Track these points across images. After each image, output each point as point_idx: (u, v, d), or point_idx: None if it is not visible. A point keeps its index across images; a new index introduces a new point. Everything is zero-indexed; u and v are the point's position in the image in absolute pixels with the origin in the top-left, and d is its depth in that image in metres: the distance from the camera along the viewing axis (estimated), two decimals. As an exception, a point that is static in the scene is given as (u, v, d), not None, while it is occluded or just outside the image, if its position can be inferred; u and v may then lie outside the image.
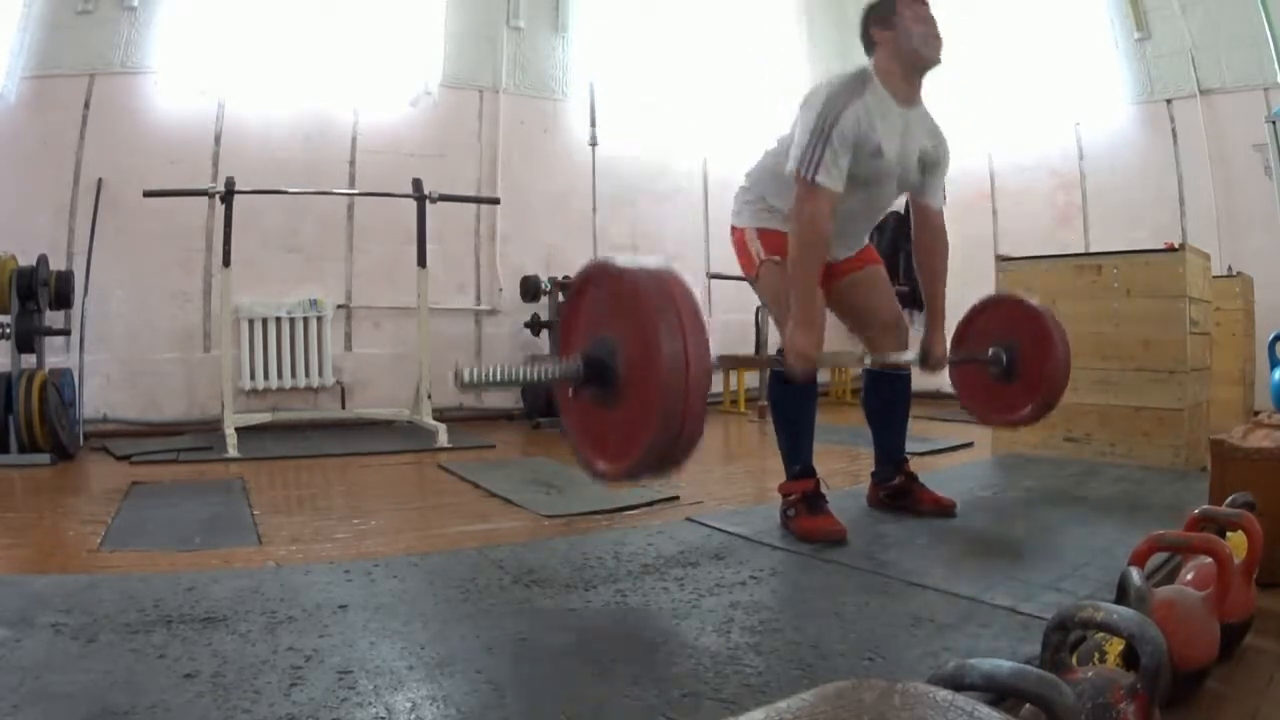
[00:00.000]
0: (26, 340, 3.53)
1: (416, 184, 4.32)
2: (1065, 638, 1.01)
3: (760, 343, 5.25)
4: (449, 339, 5.01)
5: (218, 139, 4.58)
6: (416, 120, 5.11)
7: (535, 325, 5.02)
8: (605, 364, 1.57)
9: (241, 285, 4.23)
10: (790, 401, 2.31)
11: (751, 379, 5.57)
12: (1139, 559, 1.36)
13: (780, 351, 2.30)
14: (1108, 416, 3.26)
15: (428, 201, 4.29)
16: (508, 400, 5.27)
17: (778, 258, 2.24)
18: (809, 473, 2.26)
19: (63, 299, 3.76)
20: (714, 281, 5.36)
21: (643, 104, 5.79)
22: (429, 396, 4.23)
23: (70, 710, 1.14)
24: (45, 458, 3.37)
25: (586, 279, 1.71)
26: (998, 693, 0.78)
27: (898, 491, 2.43)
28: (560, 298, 4.97)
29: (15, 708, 1.14)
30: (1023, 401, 2.55)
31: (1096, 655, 1.16)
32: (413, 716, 1.14)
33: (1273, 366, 4.16)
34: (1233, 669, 1.36)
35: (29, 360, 3.57)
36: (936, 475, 2.84)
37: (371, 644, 1.41)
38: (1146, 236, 4.51)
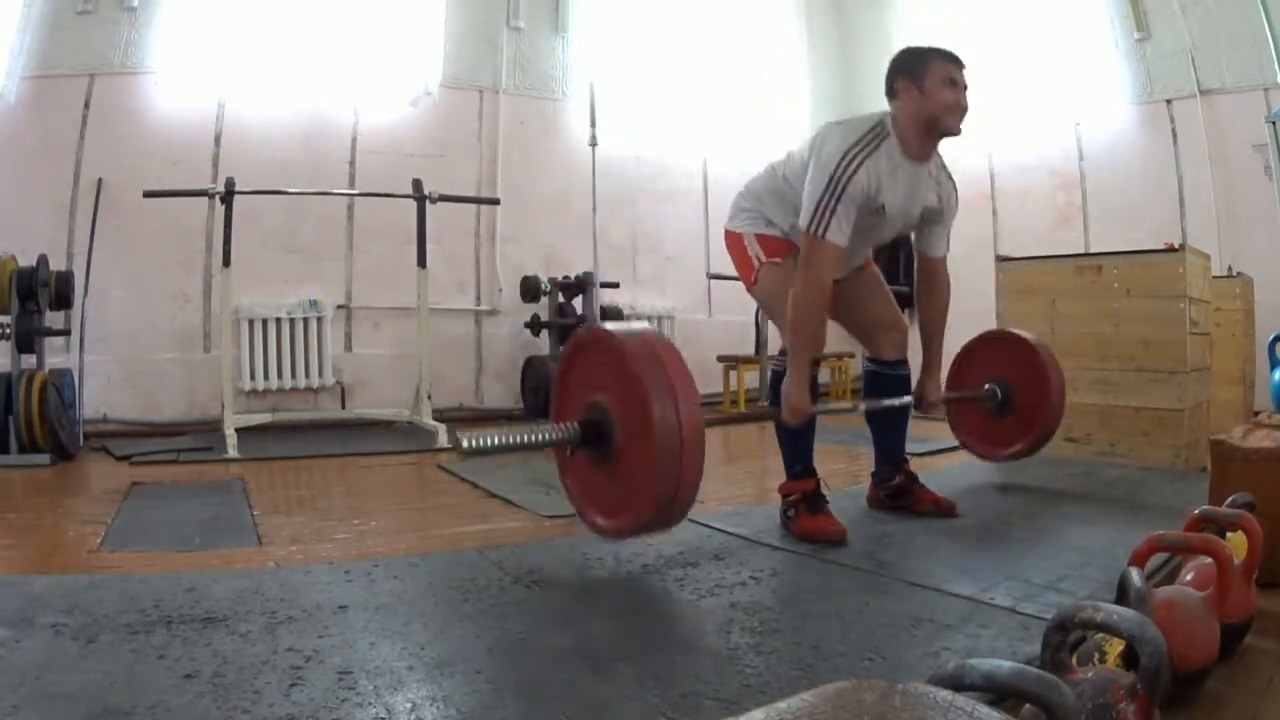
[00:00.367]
0: (26, 340, 3.53)
1: (416, 184, 4.32)
2: (1065, 638, 1.01)
3: (760, 343, 5.25)
4: (449, 339, 5.01)
5: (218, 139, 4.58)
6: (416, 120, 5.11)
7: (535, 325, 5.02)
8: (601, 427, 1.60)
9: (241, 285, 4.23)
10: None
11: (751, 379, 5.57)
12: (1139, 559, 1.36)
13: (780, 350, 2.31)
14: (1108, 416, 3.26)
15: (428, 202, 4.30)
16: (508, 400, 5.27)
17: (778, 260, 2.25)
18: (809, 473, 2.26)
19: (63, 299, 3.77)
20: (714, 282, 5.36)
21: (643, 104, 5.79)
22: (429, 397, 4.24)
23: (70, 710, 1.14)
24: (45, 458, 3.37)
25: (578, 345, 1.76)
26: (998, 693, 0.78)
27: (898, 491, 2.43)
28: (560, 298, 4.97)
29: (15, 708, 1.14)
30: (1018, 437, 2.60)
31: (1096, 655, 1.16)
32: (413, 717, 1.14)
33: (1273, 366, 4.15)
34: (1233, 669, 1.36)
35: (29, 360, 3.57)
36: (936, 475, 2.84)
37: (371, 644, 1.41)
38: (1146, 236, 4.51)
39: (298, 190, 4.35)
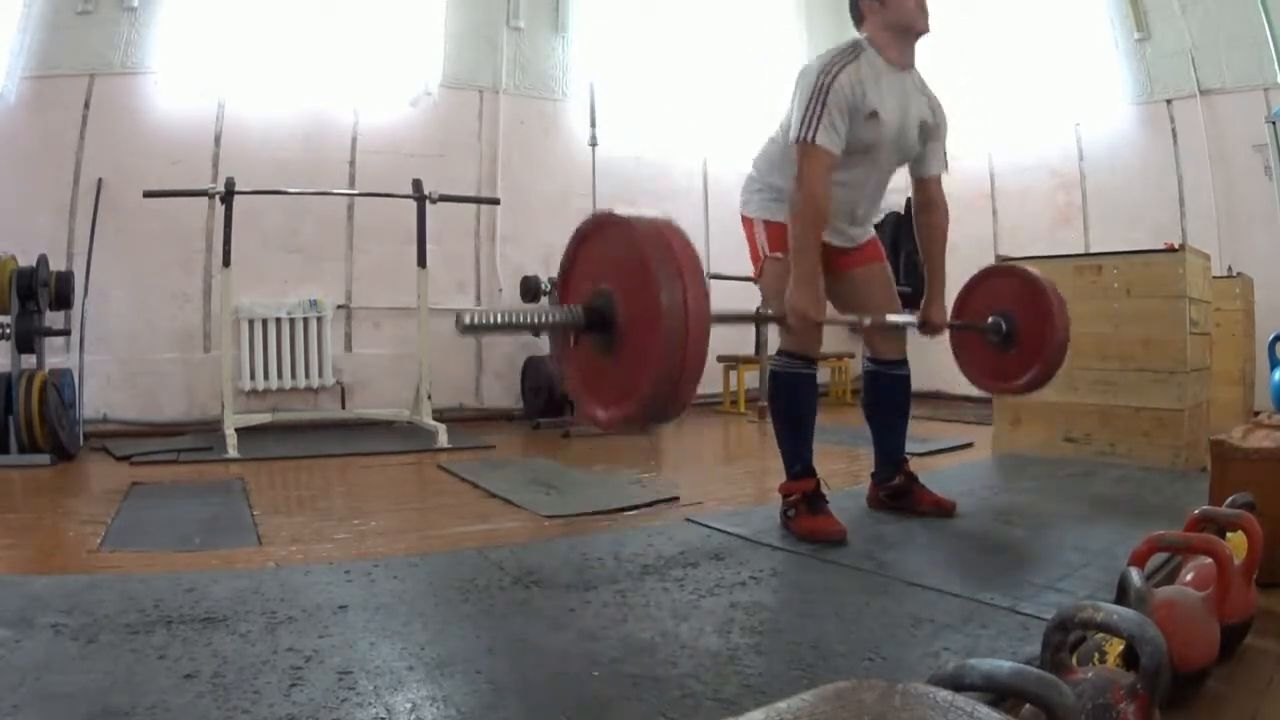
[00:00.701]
0: (26, 340, 3.53)
1: (416, 184, 4.32)
2: (1065, 638, 1.01)
3: (760, 343, 5.25)
4: (449, 339, 5.00)
5: (218, 139, 4.58)
6: (416, 120, 5.11)
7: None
8: (606, 312, 1.58)
9: (241, 285, 4.23)
10: (791, 401, 2.31)
11: (751, 379, 5.57)
12: (1139, 559, 1.36)
13: (780, 353, 2.31)
14: (1108, 416, 3.26)
15: (428, 202, 4.30)
16: (508, 400, 5.27)
17: (780, 255, 2.24)
18: (810, 472, 2.26)
19: (63, 299, 3.77)
20: (714, 282, 5.35)
21: (643, 104, 5.79)
22: (429, 397, 4.24)
23: (70, 710, 1.14)
24: (45, 458, 3.37)
25: (588, 230, 1.73)
26: (998, 693, 0.78)
27: (898, 492, 2.43)
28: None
29: (15, 708, 1.14)
30: (1020, 370, 2.51)
31: (1096, 655, 1.16)
32: (413, 717, 1.14)
33: (1273, 366, 4.15)
34: (1233, 669, 1.36)
35: (29, 360, 3.57)
36: (936, 475, 2.84)
37: (371, 644, 1.41)
38: (1146, 236, 4.51)
39: (298, 190, 4.35)
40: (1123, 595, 1.13)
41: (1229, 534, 1.51)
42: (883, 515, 2.39)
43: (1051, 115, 5.71)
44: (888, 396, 2.46)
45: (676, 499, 2.72)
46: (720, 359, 5.60)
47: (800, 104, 2.13)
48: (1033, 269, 2.57)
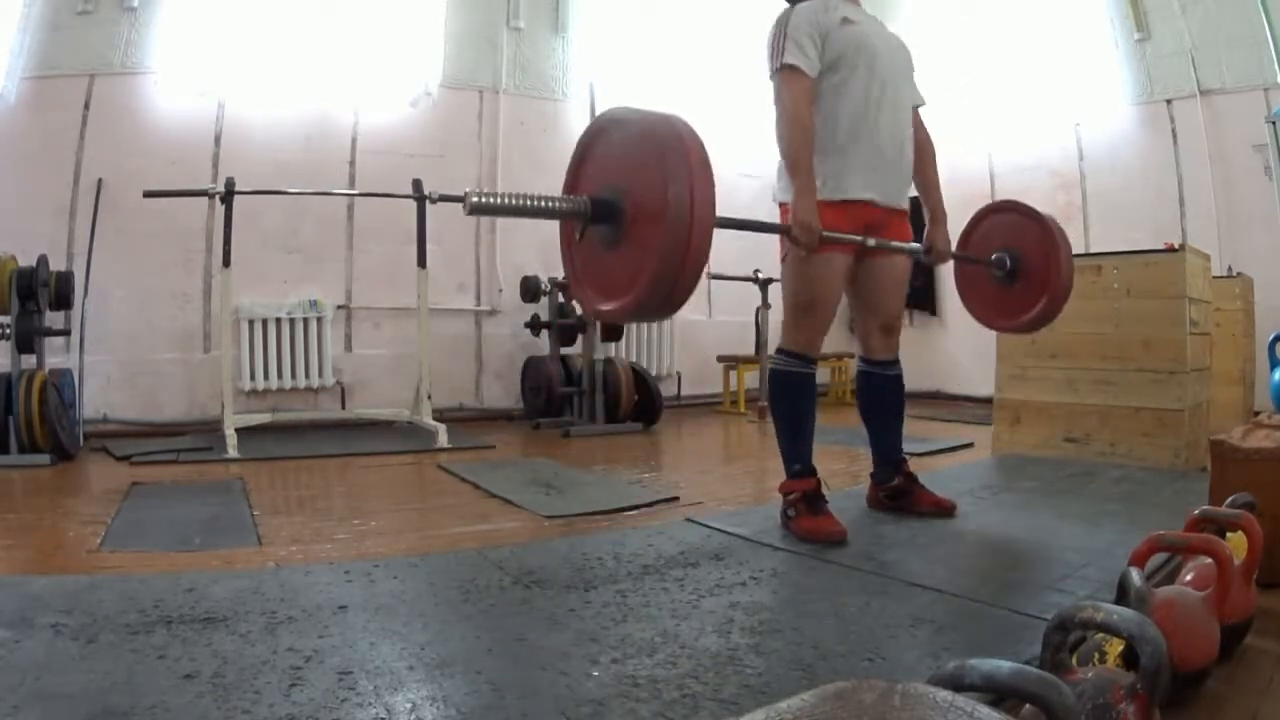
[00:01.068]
0: (26, 340, 3.53)
1: (416, 184, 4.32)
2: (1065, 638, 1.01)
3: (760, 343, 5.25)
4: (449, 339, 5.01)
5: (218, 139, 4.58)
6: (416, 121, 5.11)
7: (535, 325, 5.02)
8: (612, 203, 1.57)
9: (241, 286, 4.23)
10: (790, 400, 2.31)
11: (751, 379, 5.57)
12: (1139, 559, 1.36)
13: (780, 352, 2.31)
14: (1108, 417, 3.26)
15: (428, 202, 4.29)
16: (508, 400, 5.27)
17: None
18: (810, 472, 2.26)
19: (63, 299, 3.76)
20: (714, 282, 5.35)
21: (643, 104, 5.77)
22: (429, 397, 4.24)
23: (70, 710, 1.14)
24: (45, 458, 3.37)
25: (599, 126, 1.72)
26: (998, 693, 0.78)
27: (897, 492, 2.43)
28: (560, 298, 4.97)
29: (15, 708, 1.14)
30: (1025, 306, 2.47)
31: (1096, 656, 1.16)
32: (413, 717, 1.14)
33: (1273, 366, 4.15)
34: (1233, 669, 1.36)
35: (29, 361, 3.57)
36: (936, 475, 2.84)
37: (371, 644, 1.41)
38: (1146, 236, 4.51)
39: (298, 190, 4.35)
40: (1123, 595, 1.13)
41: (1229, 534, 1.51)
42: (883, 515, 2.39)
43: (1051, 115, 5.72)
44: (881, 397, 2.47)
45: (676, 499, 2.72)
46: (720, 359, 5.60)
47: (768, 48, 2.21)
48: (1036, 208, 2.54)
